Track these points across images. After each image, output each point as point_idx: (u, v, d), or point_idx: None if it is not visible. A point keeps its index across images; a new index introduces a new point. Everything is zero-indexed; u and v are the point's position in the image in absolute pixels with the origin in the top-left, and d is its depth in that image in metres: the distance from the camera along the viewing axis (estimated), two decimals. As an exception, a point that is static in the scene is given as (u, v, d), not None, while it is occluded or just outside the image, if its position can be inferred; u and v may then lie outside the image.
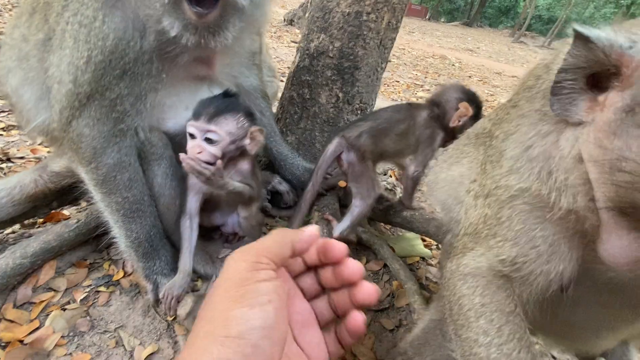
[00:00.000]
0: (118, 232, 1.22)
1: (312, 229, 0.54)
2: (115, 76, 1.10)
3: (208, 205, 1.35)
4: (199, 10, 0.99)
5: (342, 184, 1.68)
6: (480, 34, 23.70)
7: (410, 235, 1.67)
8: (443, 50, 13.06)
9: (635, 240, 0.56)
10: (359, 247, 1.66)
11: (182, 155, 1.14)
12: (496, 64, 12.46)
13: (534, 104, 0.74)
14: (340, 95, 1.65)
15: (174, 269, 1.23)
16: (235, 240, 1.54)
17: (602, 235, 0.62)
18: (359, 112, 1.75)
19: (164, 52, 1.12)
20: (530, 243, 0.71)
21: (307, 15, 1.64)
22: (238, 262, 0.46)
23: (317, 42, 1.59)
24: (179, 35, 1.04)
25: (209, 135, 1.16)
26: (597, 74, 0.56)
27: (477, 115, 1.41)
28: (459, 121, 1.40)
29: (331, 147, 1.47)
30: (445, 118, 1.43)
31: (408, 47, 12.23)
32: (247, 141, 1.23)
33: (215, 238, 1.50)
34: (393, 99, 5.29)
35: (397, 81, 6.53)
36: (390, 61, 8.49)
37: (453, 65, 10.16)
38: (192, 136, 1.18)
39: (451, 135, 1.41)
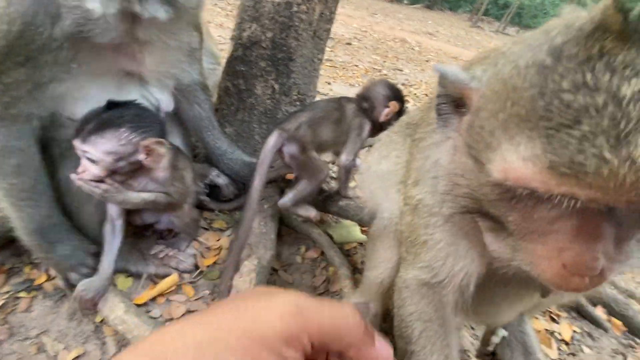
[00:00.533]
0: (12, 219, 1.18)
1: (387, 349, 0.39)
2: (16, 62, 1.04)
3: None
4: None
5: (290, 176, 1.69)
6: (441, 17, 24.15)
7: (348, 222, 1.74)
8: (404, 33, 13.19)
9: (496, 240, 0.63)
10: (298, 237, 1.71)
11: (72, 175, 1.09)
12: (454, 48, 12.83)
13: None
14: (276, 86, 1.64)
15: (87, 265, 1.21)
16: (170, 236, 1.52)
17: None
18: (297, 103, 1.75)
19: (81, 39, 1.06)
20: (438, 248, 0.78)
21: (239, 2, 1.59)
22: (273, 318, 0.33)
23: (249, 32, 1.56)
24: (102, 16, 0.98)
25: (87, 156, 1.09)
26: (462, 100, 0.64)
27: (401, 112, 1.49)
28: (387, 116, 1.48)
29: (271, 141, 1.47)
30: (374, 113, 1.49)
31: (370, 29, 12.21)
32: (141, 156, 1.13)
33: (148, 235, 1.47)
34: (351, 84, 5.31)
35: (356, 65, 6.55)
36: (350, 44, 8.48)
37: (413, 49, 10.33)
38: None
39: (379, 128, 1.47)
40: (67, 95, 1.14)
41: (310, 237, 1.68)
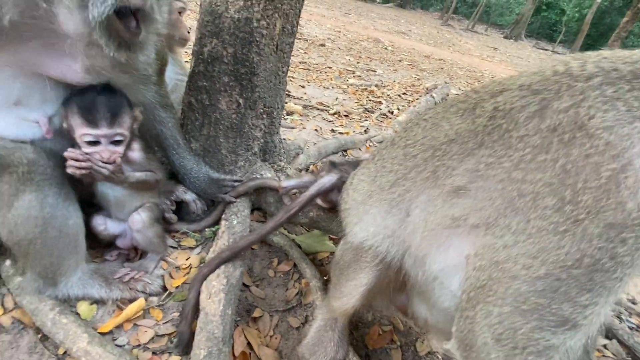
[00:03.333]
0: None
1: None
2: None
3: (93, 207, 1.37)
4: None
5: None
6: (413, 16, 24.63)
7: (317, 232, 1.76)
8: (377, 33, 13.37)
9: None
10: (270, 249, 1.71)
11: (71, 162, 1.15)
12: (426, 47, 13.13)
13: None
14: (241, 101, 1.63)
15: None
16: (136, 257, 1.49)
17: None
18: (264, 116, 1.75)
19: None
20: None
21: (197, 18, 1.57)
22: None
23: (210, 47, 1.55)
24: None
25: (117, 138, 1.22)
26: None
27: None
28: None
29: (328, 179, 1.42)
30: None
31: (344, 29, 12.30)
32: (134, 125, 1.31)
33: (111, 260, 1.43)
34: (325, 87, 5.35)
35: (329, 67, 6.58)
36: (324, 45, 8.50)
37: (386, 48, 10.49)
38: (95, 143, 1.20)
39: None
40: None
41: (282, 250, 1.69)
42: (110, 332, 1.23)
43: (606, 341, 1.80)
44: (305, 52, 7.18)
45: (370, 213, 1.00)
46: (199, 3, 1.58)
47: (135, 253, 1.50)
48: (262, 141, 1.84)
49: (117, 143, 1.24)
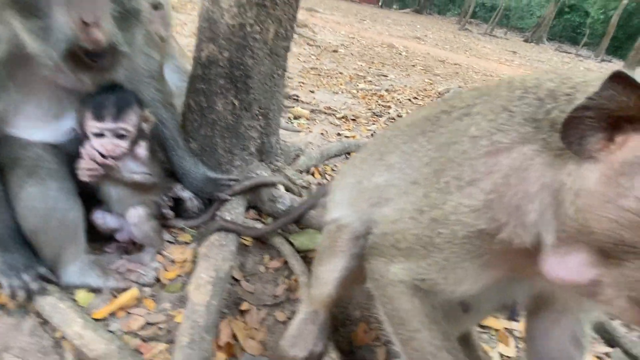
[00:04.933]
0: None
1: None
2: None
3: (96, 202, 1.44)
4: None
5: None
6: (430, 22, 24.48)
7: (311, 230, 1.79)
8: (392, 38, 13.36)
9: (591, 264, 0.62)
10: (263, 246, 1.76)
11: (90, 153, 1.26)
12: (441, 51, 13.00)
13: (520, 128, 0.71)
14: (236, 103, 1.70)
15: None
16: (135, 250, 1.57)
17: (549, 259, 0.68)
18: (260, 117, 1.82)
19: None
20: (454, 272, 0.78)
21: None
22: None
23: (207, 52, 1.63)
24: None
25: (121, 132, 1.31)
26: (618, 116, 0.57)
27: None
28: None
29: None
30: None
31: (358, 35, 12.38)
32: (143, 125, 1.40)
33: (110, 252, 1.52)
34: (334, 92, 5.40)
35: (340, 73, 6.64)
36: (336, 51, 8.59)
37: (400, 54, 10.47)
38: (99, 135, 1.30)
39: None
40: (7, 113, 1.19)
41: (274, 247, 1.73)
42: (105, 318, 1.30)
43: (609, 349, 1.73)
44: (317, 58, 7.28)
45: (344, 191, 1.06)
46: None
47: (133, 246, 1.58)
48: (259, 142, 1.90)
49: (121, 137, 1.33)
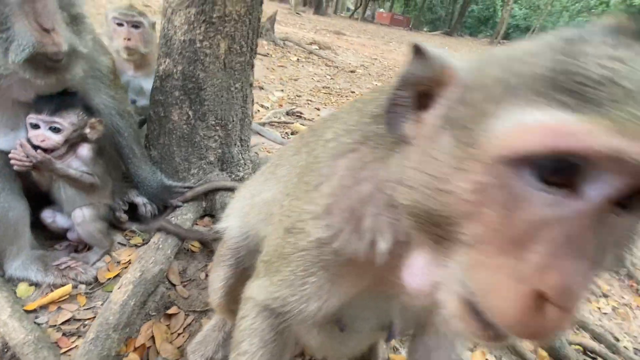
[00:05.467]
0: None
1: None
2: None
3: (43, 200, 1.51)
4: None
5: None
6: (460, 43, 24.25)
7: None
8: (416, 59, 13.33)
9: (431, 264, 0.54)
10: (210, 254, 1.78)
11: (21, 141, 1.34)
12: (467, 72, 12.73)
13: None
14: (191, 113, 1.79)
15: None
16: (84, 249, 1.65)
17: (404, 270, 0.61)
18: (217, 128, 1.89)
19: None
20: (301, 287, 0.72)
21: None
22: None
23: (164, 66, 1.74)
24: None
25: (55, 125, 1.40)
26: (425, 92, 0.53)
27: None
28: None
29: None
30: None
31: (381, 56, 12.52)
32: (87, 130, 1.49)
33: (59, 250, 1.61)
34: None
35: (352, 92, 6.72)
36: (354, 72, 8.73)
37: (421, 74, 10.40)
38: (36, 126, 1.39)
39: None
40: None
41: (219, 255, 1.75)
42: (35, 310, 1.38)
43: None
44: (332, 78, 7.43)
45: (238, 202, 1.05)
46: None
47: (84, 246, 1.67)
48: (220, 152, 1.96)
49: (55, 131, 1.40)
